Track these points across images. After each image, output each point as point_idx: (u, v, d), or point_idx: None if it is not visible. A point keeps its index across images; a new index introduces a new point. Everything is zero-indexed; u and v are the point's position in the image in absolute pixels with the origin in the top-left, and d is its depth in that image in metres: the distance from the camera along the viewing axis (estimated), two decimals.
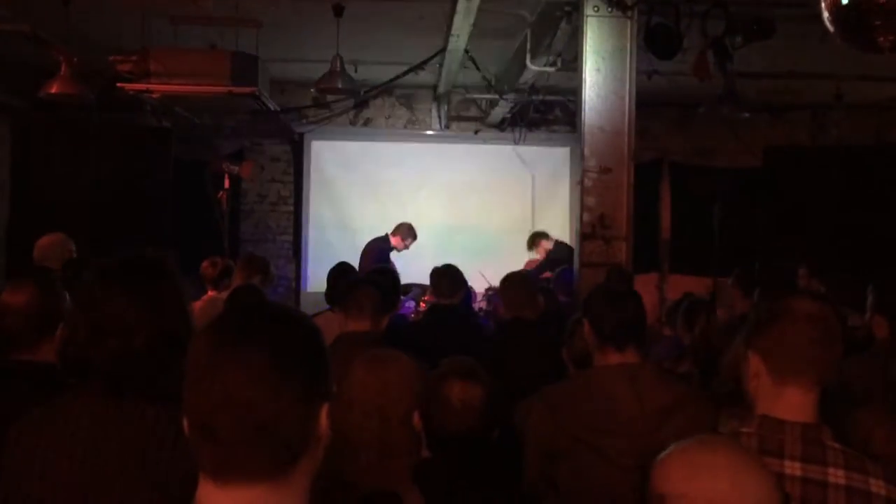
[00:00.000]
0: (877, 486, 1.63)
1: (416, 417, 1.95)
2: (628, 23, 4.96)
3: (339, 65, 6.09)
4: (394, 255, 7.61)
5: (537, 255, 7.97)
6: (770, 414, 1.73)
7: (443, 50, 6.78)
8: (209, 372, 1.08)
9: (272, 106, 7.33)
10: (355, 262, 6.53)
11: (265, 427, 1.06)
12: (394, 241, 7.71)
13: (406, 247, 7.75)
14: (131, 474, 1.52)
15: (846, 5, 3.10)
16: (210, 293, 5.31)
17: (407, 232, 7.76)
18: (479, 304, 6.96)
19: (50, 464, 1.56)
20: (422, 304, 6.42)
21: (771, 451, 1.68)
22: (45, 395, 1.73)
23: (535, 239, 8.06)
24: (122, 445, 1.54)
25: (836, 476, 1.64)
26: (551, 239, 8.02)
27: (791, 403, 1.73)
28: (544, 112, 9.17)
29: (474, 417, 2.02)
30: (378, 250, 7.47)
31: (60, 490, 1.54)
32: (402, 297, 5.51)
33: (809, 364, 1.73)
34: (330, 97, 8.29)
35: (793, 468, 1.66)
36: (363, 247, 7.66)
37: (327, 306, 4.57)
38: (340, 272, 4.69)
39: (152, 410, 1.56)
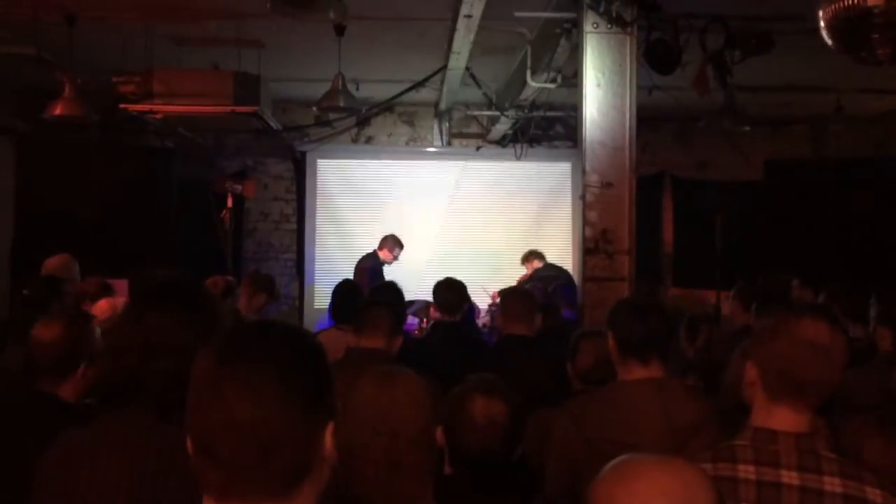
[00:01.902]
0: (873, 493, 1.64)
1: (439, 433, 1.91)
2: (628, 39, 4.97)
3: (340, 83, 6.11)
4: (396, 271, 7.62)
5: (527, 271, 8.04)
6: (764, 426, 1.73)
7: (444, 67, 6.81)
8: (211, 391, 1.05)
9: (275, 125, 7.39)
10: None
11: (268, 447, 1.03)
12: (382, 255, 7.68)
13: (395, 258, 7.71)
14: (176, 497, 1.50)
15: (844, 18, 3.12)
16: None
17: (393, 243, 7.72)
18: (483, 319, 6.96)
19: (94, 484, 1.55)
20: (424, 321, 6.43)
21: (767, 462, 1.69)
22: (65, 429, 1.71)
23: (529, 257, 8.12)
24: (167, 468, 1.53)
25: (833, 484, 1.65)
26: (542, 261, 8.07)
27: (783, 419, 1.72)
28: (545, 128, 9.20)
29: (498, 434, 1.99)
30: (371, 269, 7.44)
31: None
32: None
33: (804, 388, 1.71)
34: (332, 115, 8.32)
35: (790, 477, 1.66)
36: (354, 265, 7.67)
37: (331, 323, 4.57)
38: (346, 290, 4.70)
39: None
